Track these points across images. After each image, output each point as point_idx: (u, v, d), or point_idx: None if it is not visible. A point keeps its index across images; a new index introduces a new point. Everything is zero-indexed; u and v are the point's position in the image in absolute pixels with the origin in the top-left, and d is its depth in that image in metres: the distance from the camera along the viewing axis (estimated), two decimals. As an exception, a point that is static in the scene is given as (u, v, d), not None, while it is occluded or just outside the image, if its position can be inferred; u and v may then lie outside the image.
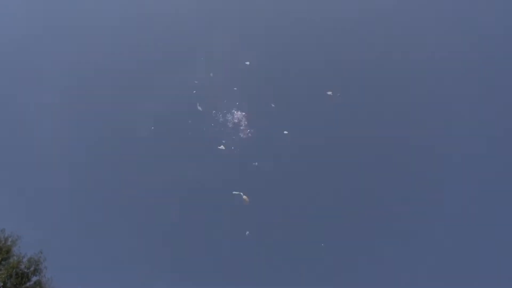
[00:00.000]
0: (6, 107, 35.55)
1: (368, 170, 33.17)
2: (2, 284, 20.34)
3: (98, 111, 35.15)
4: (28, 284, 21.44)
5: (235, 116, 33.40)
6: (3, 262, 21.00)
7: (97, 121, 34.85)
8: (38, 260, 22.16)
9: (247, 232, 30.12)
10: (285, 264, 30.91)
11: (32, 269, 21.82)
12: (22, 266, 21.53)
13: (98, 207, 32.05)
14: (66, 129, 34.67)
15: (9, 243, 21.33)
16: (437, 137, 33.86)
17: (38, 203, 31.37)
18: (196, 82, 34.89)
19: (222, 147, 31.84)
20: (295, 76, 36.70)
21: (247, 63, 35.41)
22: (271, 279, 30.02)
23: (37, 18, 39.64)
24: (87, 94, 35.96)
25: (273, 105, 33.90)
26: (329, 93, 32.00)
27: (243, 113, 33.62)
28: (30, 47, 37.74)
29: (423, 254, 30.44)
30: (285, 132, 32.54)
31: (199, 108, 33.49)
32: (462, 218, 31.05)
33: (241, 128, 33.19)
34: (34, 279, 21.75)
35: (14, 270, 20.97)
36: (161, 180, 33.09)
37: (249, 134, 33.01)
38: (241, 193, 28.29)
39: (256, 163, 31.77)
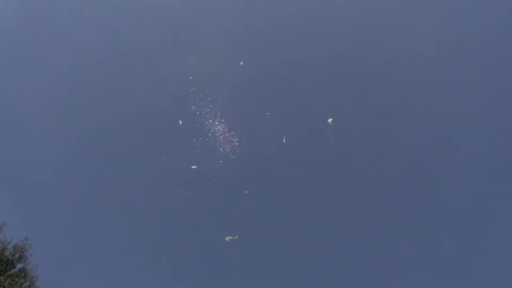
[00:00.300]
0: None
1: (369, 172, 32.92)
2: (-14, 270, 20.27)
3: (88, 103, 34.75)
4: (13, 271, 21.33)
5: (221, 128, 31.82)
6: (-13, 249, 20.90)
7: (85, 113, 34.45)
8: (23, 247, 22.03)
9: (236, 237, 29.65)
10: (289, 266, 30.87)
11: (17, 256, 21.70)
12: (7, 253, 21.39)
13: (84, 196, 32.02)
14: (52, 118, 34.19)
15: (-6, 229, 21.23)
16: (438, 137, 33.76)
17: (24, 190, 31.20)
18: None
19: (194, 166, 30.61)
20: (289, 80, 35.76)
21: (241, 63, 33.90)
22: (270, 280, 30.13)
23: (21, 9, 38.61)
24: (73, 87, 35.39)
25: (267, 113, 32.30)
26: (330, 120, 30.65)
27: (225, 127, 31.89)
28: (15, 39, 37.07)
29: (424, 254, 30.72)
30: (284, 140, 31.16)
31: (180, 122, 31.97)
32: (464, 218, 31.22)
33: (227, 141, 31.72)
34: (19, 266, 21.65)
35: (-1, 257, 20.88)
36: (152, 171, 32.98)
37: (235, 146, 31.51)
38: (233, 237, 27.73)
39: (247, 191, 30.88)
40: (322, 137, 32.62)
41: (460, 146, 32.82)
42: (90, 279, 29.26)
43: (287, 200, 31.94)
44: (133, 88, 34.82)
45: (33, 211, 30.54)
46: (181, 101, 32.96)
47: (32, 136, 33.46)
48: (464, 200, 31.46)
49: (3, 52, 36.87)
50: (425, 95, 34.66)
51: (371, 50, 36.50)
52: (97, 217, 31.38)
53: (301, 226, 31.51)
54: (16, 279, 20.99)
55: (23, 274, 21.43)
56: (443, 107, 34.19)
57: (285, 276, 30.21)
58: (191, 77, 33.71)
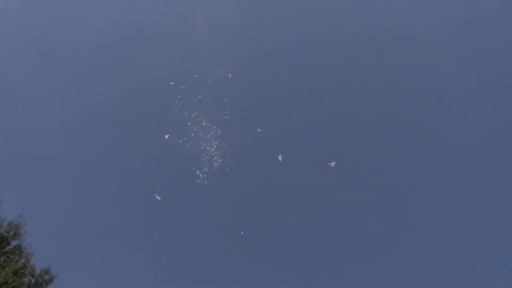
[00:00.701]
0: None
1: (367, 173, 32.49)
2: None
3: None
4: (7, 248, 21.17)
5: (209, 145, 30.35)
6: (-18, 226, 20.72)
7: (85, 88, 34.06)
8: (18, 225, 21.86)
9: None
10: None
11: (12, 233, 21.53)
12: (2, 230, 21.21)
13: (78, 174, 31.97)
14: (48, 99, 33.87)
15: (-11, 207, 20.98)
16: (438, 137, 33.41)
17: (18, 168, 31.00)
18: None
19: (158, 197, 29.48)
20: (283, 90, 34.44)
21: (230, 75, 32.38)
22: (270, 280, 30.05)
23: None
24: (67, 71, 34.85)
25: (259, 130, 31.19)
26: (332, 164, 29.65)
27: (216, 143, 30.54)
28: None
29: (423, 254, 30.70)
30: (279, 157, 29.65)
31: (166, 137, 30.61)
32: (466, 218, 31.00)
33: (215, 159, 30.38)
34: (14, 243, 21.49)
35: (-6, 234, 20.69)
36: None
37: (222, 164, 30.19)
38: None
39: (243, 232, 29.82)
40: (318, 142, 31.95)
41: (460, 146, 32.54)
42: (84, 256, 29.35)
43: (285, 205, 31.44)
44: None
45: (28, 188, 30.41)
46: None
47: (28, 117, 33.16)
48: (464, 200, 31.31)
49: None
50: (425, 94, 34.20)
51: (371, 49, 35.81)
52: (91, 195, 31.37)
53: (300, 228, 31.23)
54: (11, 256, 20.82)
55: (18, 251, 21.28)
56: (447, 106, 33.69)
57: (284, 276, 30.16)
58: (171, 83, 32.66)
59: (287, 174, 32.14)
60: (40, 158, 31.71)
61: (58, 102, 34.00)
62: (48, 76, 34.64)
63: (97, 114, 33.82)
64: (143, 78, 34.64)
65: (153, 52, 35.66)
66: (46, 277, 21.41)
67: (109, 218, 30.99)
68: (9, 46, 35.86)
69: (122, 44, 36.72)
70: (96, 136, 33.42)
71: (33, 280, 21.05)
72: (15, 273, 20.39)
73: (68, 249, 28.63)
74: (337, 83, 35.01)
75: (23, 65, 34.70)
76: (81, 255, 29.09)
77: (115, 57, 36.16)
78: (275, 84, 34.79)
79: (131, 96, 34.34)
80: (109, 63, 36.04)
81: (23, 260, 21.17)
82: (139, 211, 31.48)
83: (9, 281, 19.89)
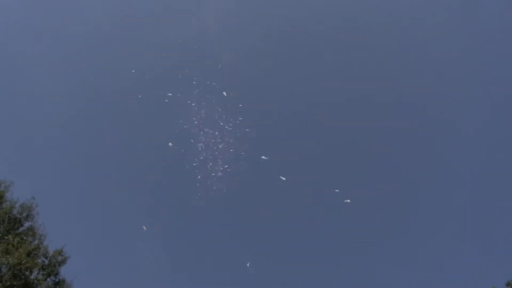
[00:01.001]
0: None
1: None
2: (-6, 228, 20.24)
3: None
4: (20, 229, 21.34)
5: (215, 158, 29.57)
6: (-5, 207, 20.74)
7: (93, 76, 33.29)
8: (31, 206, 21.95)
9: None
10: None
11: (24, 214, 21.65)
12: (15, 212, 21.30)
13: (89, 156, 31.89)
14: (60, 84, 33.26)
15: (2, 188, 20.94)
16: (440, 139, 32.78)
17: (32, 150, 30.85)
18: None
19: (144, 228, 28.73)
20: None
21: (224, 93, 31.61)
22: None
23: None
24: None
25: (263, 157, 30.16)
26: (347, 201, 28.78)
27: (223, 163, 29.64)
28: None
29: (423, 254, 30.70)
30: (283, 178, 29.20)
31: (170, 144, 29.92)
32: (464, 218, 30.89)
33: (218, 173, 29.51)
34: (26, 224, 21.65)
35: (7, 216, 20.74)
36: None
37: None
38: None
39: (248, 264, 29.25)
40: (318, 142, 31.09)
41: (460, 146, 32.08)
42: (97, 237, 29.72)
43: (285, 205, 31.01)
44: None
45: (40, 170, 30.40)
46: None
47: (40, 100, 32.66)
48: (464, 200, 31.19)
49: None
50: (425, 94, 33.36)
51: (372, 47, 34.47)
52: (104, 177, 31.39)
53: (300, 228, 31.01)
54: (24, 238, 21.00)
55: (31, 233, 21.47)
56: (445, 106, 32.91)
57: (284, 277, 30.33)
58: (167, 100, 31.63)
59: (286, 174, 31.69)
60: (52, 140, 31.56)
61: (72, 88, 33.43)
62: (61, 62, 33.93)
63: (108, 100, 33.31)
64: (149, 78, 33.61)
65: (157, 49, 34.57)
66: (59, 258, 21.68)
67: (121, 200, 31.25)
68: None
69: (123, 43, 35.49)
70: (109, 121, 33.09)
71: (46, 261, 21.31)
72: (28, 254, 20.57)
73: (81, 230, 28.95)
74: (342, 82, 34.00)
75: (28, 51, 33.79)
76: (93, 236, 29.46)
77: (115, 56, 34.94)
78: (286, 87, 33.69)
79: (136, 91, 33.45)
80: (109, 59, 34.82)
81: (36, 242, 21.38)
82: (149, 194, 31.65)
83: (22, 262, 20.10)
